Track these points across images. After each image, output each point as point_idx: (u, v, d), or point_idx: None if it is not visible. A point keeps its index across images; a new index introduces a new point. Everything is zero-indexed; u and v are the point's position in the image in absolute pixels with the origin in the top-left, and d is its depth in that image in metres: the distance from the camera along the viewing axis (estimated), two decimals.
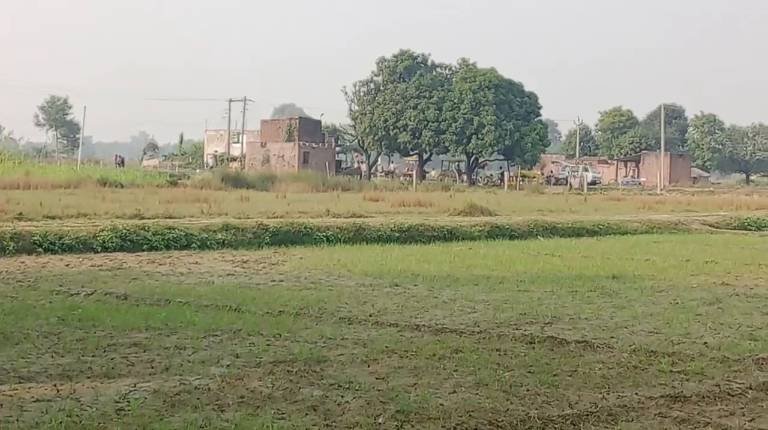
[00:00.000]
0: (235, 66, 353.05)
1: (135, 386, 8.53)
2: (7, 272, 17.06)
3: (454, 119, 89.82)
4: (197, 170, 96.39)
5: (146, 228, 22.71)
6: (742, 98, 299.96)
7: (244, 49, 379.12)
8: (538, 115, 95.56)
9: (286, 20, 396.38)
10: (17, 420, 7.36)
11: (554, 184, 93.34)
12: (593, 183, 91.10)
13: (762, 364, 10.22)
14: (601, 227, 31.05)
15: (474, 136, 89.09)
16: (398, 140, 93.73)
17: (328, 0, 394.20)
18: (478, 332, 11.73)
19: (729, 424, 7.84)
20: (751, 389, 9.08)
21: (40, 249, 20.32)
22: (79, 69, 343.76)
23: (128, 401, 7.96)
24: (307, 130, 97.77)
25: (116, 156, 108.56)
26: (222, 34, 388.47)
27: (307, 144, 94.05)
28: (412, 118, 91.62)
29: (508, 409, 8.04)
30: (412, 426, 7.46)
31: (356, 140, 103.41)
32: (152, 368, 9.34)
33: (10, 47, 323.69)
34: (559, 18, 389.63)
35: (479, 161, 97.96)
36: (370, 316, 12.83)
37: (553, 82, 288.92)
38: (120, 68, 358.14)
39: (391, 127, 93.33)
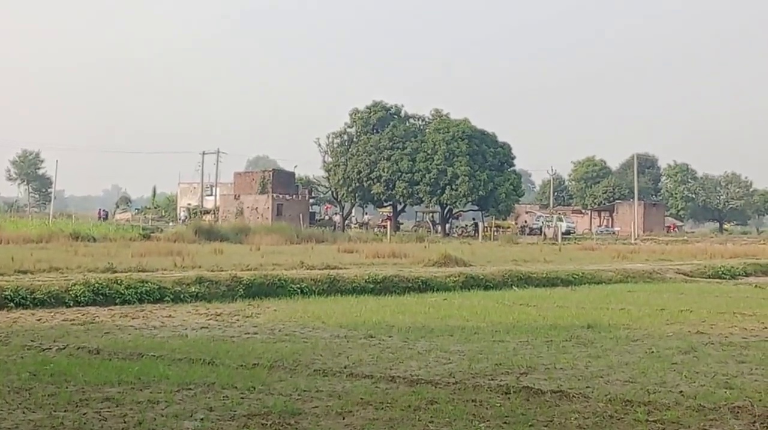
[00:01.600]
0: (209, 119, 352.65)
1: None
2: None
3: (428, 170, 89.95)
4: (170, 223, 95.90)
5: (119, 282, 22.60)
6: (714, 148, 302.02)
7: (217, 101, 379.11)
8: (512, 165, 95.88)
9: (259, 73, 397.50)
10: None
11: (528, 234, 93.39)
12: (567, 233, 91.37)
13: (738, 412, 10.23)
14: (575, 276, 31.17)
15: (448, 186, 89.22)
16: (372, 191, 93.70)
17: (300, 53, 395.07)
18: (453, 383, 11.71)
19: None
20: None
21: (12, 304, 20.17)
22: (51, 122, 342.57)
23: None
24: (281, 182, 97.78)
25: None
26: (195, 87, 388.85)
27: (280, 196, 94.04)
28: (385, 170, 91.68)
29: None
30: None
31: (330, 192, 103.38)
32: (125, 423, 9.26)
33: None
34: (531, 68, 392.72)
35: (453, 212, 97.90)
36: (345, 368, 12.79)
37: (526, 132, 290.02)
38: (92, 121, 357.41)
39: (365, 179, 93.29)
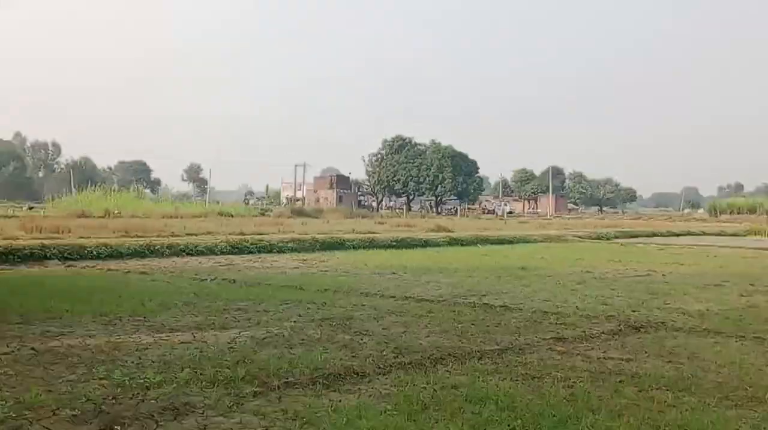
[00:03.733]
0: (302, 141, 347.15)
1: (239, 334, 8.50)
2: (164, 267, 17.03)
3: (428, 175, 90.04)
4: (277, 206, 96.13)
5: (246, 241, 22.69)
6: (598, 159, 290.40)
7: (307, 135, 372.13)
8: (477, 172, 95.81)
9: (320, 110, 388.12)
10: (170, 354, 7.35)
11: (487, 214, 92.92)
12: (510, 213, 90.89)
13: (610, 319, 10.16)
14: (515, 238, 30.98)
15: (440, 185, 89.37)
16: (395, 188, 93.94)
17: (343, 96, 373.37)
18: (442, 301, 11.69)
19: (591, 354, 7.79)
20: (604, 334, 9.03)
21: (184, 253, 20.30)
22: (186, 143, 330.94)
23: (236, 342, 7.93)
24: (341, 182, 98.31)
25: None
26: (298, 117, 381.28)
27: (341, 191, 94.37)
28: (403, 175, 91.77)
29: (460, 345, 8.01)
30: (404, 356, 7.44)
31: (371, 188, 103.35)
32: (249, 323, 9.29)
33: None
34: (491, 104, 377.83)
35: (443, 200, 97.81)
36: (378, 292, 12.77)
37: (487, 148, 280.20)
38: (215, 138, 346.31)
39: (391, 180, 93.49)
